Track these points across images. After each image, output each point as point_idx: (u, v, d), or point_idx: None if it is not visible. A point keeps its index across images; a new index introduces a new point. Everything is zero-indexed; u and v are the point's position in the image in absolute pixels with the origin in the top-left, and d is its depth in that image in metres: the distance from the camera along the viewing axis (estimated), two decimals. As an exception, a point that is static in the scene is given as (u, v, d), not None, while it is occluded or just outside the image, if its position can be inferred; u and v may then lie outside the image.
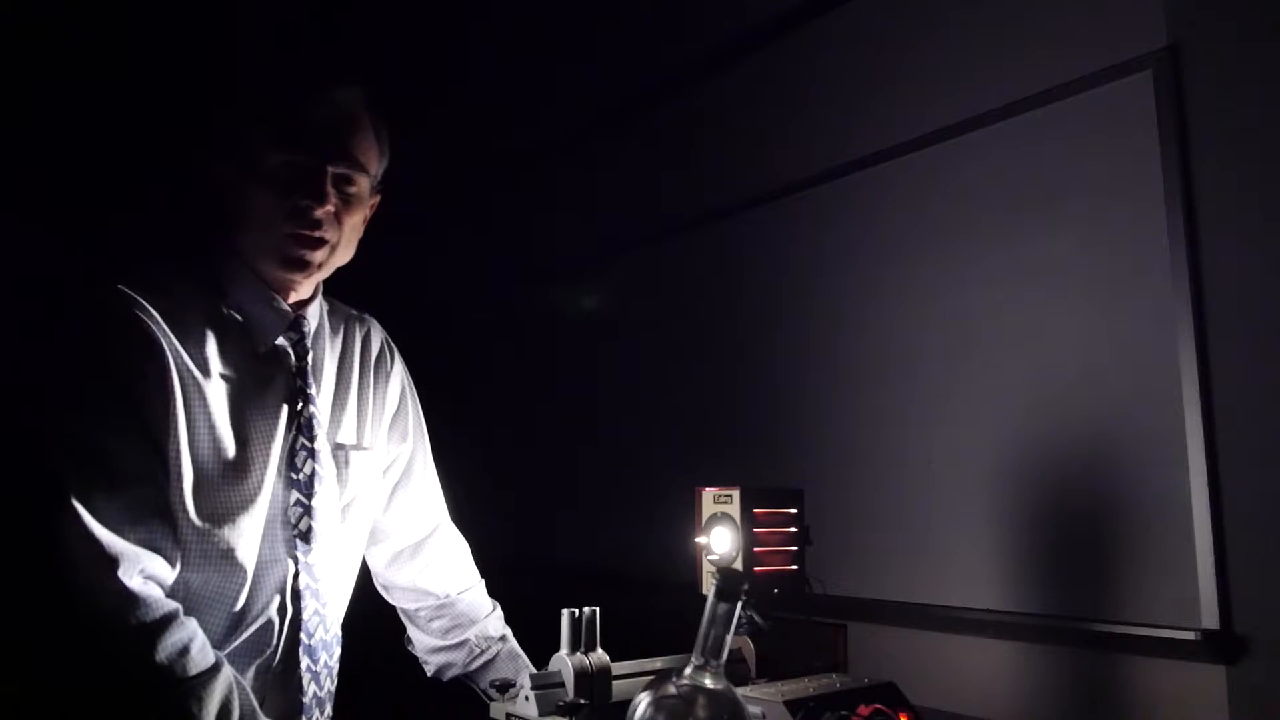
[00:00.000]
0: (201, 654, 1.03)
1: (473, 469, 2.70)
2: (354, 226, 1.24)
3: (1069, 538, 1.80)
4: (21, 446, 1.05)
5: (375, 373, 1.40)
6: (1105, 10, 1.82)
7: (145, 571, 1.03)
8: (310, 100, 1.17)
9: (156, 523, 1.07)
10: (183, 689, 1.00)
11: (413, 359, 1.52)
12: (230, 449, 1.15)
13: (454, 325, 3.92)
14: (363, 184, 1.22)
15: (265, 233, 1.17)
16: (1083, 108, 1.84)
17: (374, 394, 1.39)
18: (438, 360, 3.61)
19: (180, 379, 1.11)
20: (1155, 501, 1.67)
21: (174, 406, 1.10)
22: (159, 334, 1.10)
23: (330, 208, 1.17)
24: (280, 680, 1.20)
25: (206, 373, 1.14)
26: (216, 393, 1.15)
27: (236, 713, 1.04)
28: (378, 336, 1.43)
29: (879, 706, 1.19)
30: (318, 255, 1.20)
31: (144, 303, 1.10)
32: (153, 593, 1.03)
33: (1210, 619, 1.57)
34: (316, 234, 1.18)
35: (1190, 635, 1.58)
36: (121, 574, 1.00)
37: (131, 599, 1.00)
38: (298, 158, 1.15)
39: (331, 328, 1.35)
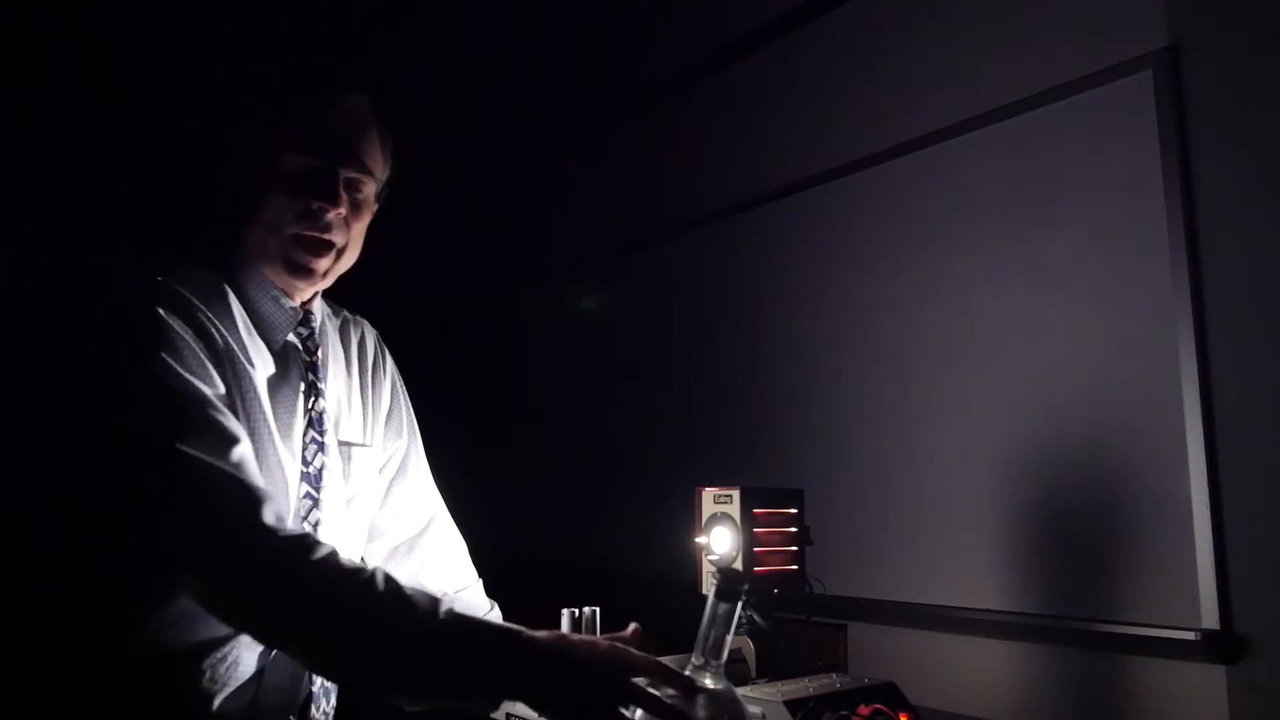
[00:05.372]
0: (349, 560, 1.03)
1: (473, 468, 2.70)
2: (360, 231, 1.26)
3: (1069, 537, 1.80)
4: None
5: (373, 372, 1.42)
6: (1105, 10, 1.82)
7: (279, 512, 1.02)
8: (324, 104, 1.19)
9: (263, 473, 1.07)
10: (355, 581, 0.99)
11: (413, 358, 1.51)
12: (273, 440, 1.16)
13: (454, 324, 3.92)
14: (369, 189, 1.24)
15: (273, 235, 1.18)
16: (1083, 108, 1.84)
17: (373, 393, 1.41)
18: (438, 359, 3.62)
19: (232, 360, 1.12)
20: (1155, 501, 1.67)
21: (232, 388, 1.10)
22: (205, 319, 1.11)
23: (342, 210, 1.19)
24: (288, 667, 1.19)
25: (250, 361, 1.15)
26: (258, 381, 1.16)
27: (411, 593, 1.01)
28: (371, 336, 1.45)
29: (879, 706, 1.19)
30: (323, 262, 1.21)
31: (184, 293, 1.10)
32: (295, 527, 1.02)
33: (1210, 619, 1.57)
34: (325, 236, 1.19)
35: (1190, 635, 1.58)
36: (265, 513, 0.99)
37: (283, 532, 1.00)
38: (311, 159, 1.16)
39: (330, 327, 1.36)
